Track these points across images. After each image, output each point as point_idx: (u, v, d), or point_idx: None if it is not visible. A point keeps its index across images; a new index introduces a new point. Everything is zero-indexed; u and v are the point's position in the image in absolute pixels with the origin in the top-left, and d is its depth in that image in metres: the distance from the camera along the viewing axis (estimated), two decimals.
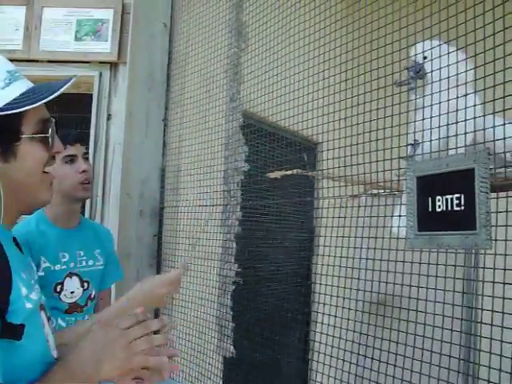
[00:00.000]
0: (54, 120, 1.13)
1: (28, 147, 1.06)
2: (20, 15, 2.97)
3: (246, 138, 2.67)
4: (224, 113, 2.68)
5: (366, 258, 1.93)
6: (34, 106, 1.02)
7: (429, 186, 1.55)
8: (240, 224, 2.68)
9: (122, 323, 1.07)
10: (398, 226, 1.77)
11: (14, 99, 1.03)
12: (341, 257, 1.99)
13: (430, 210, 1.54)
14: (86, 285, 2.17)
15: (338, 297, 2.00)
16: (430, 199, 1.54)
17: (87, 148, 2.30)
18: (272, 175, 2.20)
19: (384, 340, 1.77)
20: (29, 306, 1.00)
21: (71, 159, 2.10)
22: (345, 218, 1.99)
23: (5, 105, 1.01)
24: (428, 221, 1.55)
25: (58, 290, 2.07)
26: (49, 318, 1.14)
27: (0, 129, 1.02)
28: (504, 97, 1.40)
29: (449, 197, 1.48)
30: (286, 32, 2.30)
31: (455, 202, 1.46)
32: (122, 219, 2.82)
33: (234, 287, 2.65)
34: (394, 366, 1.71)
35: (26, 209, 1.14)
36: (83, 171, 2.11)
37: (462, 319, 1.64)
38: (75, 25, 2.97)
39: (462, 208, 1.44)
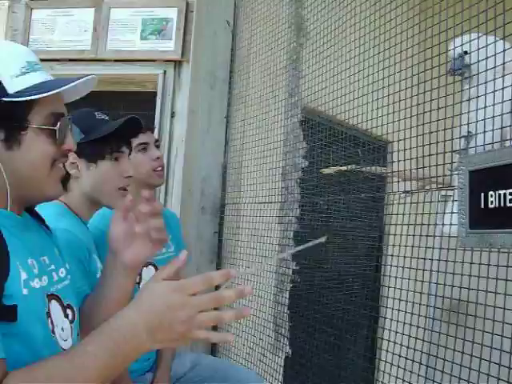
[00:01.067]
0: (68, 117, 1.12)
1: (34, 138, 1.04)
2: (88, 17, 3.07)
3: (305, 134, 2.63)
4: (284, 108, 2.65)
5: (438, 260, 1.80)
6: (38, 96, 1.01)
7: (481, 180, 1.45)
8: (299, 221, 2.64)
9: (191, 286, 0.91)
10: (450, 224, 1.68)
11: (27, 88, 1.02)
12: (409, 257, 1.89)
13: (482, 206, 1.44)
14: None
15: (407, 301, 1.88)
16: (482, 195, 1.44)
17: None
18: (326, 171, 2.15)
19: (457, 351, 1.64)
20: (25, 292, 0.98)
21: (144, 147, 2.15)
22: (402, 214, 1.91)
23: (16, 92, 1.01)
24: (480, 218, 1.45)
25: (137, 280, 2.12)
26: (67, 307, 1.13)
27: (6, 115, 1.01)
28: None
29: (502, 192, 1.38)
30: (345, 25, 2.24)
31: (508, 197, 1.36)
32: (183, 215, 2.84)
33: (291, 286, 2.61)
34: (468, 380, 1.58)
35: (33, 201, 1.15)
36: (157, 158, 2.16)
37: None
38: (140, 24, 3.03)
39: None
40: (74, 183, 1.66)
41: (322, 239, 1.18)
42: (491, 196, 1.41)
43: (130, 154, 1.74)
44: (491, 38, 1.56)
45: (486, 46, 1.56)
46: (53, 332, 1.04)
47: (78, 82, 1.07)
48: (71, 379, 0.90)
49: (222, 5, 3.13)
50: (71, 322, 1.14)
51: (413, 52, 1.82)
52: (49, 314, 1.04)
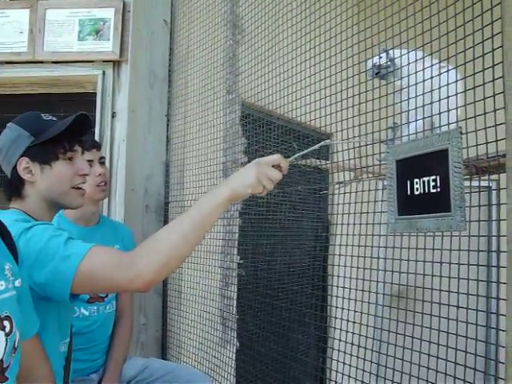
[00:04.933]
0: None
1: None
2: (24, 18, 3.02)
3: (246, 129, 2.67)
4: (222, 105, 2.69)
5: (383, 247, 1.85)
6: None
7: (407, 169, 1.53)
8: (243, 216, 2.68)
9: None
10: (381, 212, 1.75)
11: None
12: (352, 245, 1.95)
13: (408, 193, 1.51)
14: None
15: (356, 289, 1.94)
16: (408, 182, 1.51)
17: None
18: None
19: (407, 336, 1.68)
20: None
21: (89, 164, 2.19)
22: (344, 204, 1.96)
23: None
24: (407, 204, 1.53)
25: None
26: (4, 319, 1.10)
27: None
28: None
29: (426, 179, 1.46)
30: (281, 20, 2.29)
31: (431, 184, 1.44)
32: (127, 214, 2.85)
33: (237, 279, 2.66)
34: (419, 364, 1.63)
35: None
36: (99, 174, 2.27)
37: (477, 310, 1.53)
38: (77, 25, 3.00)
39: (438, 190, 1.42)
40: (29, 189, 1.61)
41: (323, 143, 1.62)
42: (416, 183, 1.48)
43: (83, 152, 1.75)
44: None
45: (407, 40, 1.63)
46: None
47: None
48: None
49: (159, 4, 3.13)
50: (7, 334, 1.11)
51: (348, 44, 1.86)
52: None
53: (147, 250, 1.36)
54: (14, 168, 1.59)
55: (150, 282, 1.37)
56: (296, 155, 1.58)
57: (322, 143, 1.63)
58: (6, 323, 1.11)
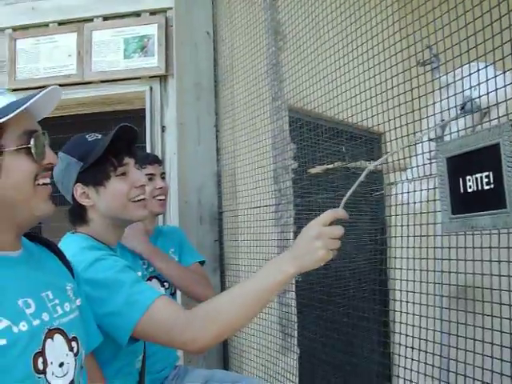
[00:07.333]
0: (43, 132, 1.12)
1: (12, 161, 1.04)
2: (71, 42, 3.12)
3: (294, 135, 2.66)
4: (269, 113, 2.68)
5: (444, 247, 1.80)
6: (4, 119, 1.02)
7: (459, 166, 1.48)
8: (297, 222, 2.66)
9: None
10: (435, 211, 1.70)
11: None
12: (407, 247, 1.90)
13: (461, 191, 1.47)
14: (166, 284, 2.34)
15: (414, 292, 1.88)
16: (460, 180, 1.47)
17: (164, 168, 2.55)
18: (313, 171, 2.17)
19: (468, 339, 1.63)
20: (3, 342, 0.97)
21: (150, 178, 2.27)
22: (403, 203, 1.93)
23: None
24: (461, 203, 1.48)
25: None
26: (72, 340, 1.14)
27: None
28: None
29: (478, 175, 1.41)
30: (322, 22, 2.26)
31: (485, 180, 1.39)
32: (182, 227, 2.87)
33: (294, 286, 2.64)
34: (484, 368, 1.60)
35: (25, 224, 1.13)
36: (160, 188, 2.32)
37: None
38: (123, 44, 3.07)
39: (492, 186, 1.37)
40: (91, 213, 1.62)
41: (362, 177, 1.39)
42: (469, 180, 1.44)
43: (136, 162, 1.68)
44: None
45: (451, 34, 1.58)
46: (43, 372, 1.03)
47: (38, 96, 1.08)
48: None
49: (201, 17, 3.16)
50: (75, 354, 1.14)
51: (390, 42, 1.82)
52: (41, 353, 1.03)
53: (205, 318, 1.35)
54: (73, 195, 1.61)
55: (203, 348, 1.40)
56: (346, 196, 1.38)
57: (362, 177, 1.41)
58: (74, 344, 1.14)
